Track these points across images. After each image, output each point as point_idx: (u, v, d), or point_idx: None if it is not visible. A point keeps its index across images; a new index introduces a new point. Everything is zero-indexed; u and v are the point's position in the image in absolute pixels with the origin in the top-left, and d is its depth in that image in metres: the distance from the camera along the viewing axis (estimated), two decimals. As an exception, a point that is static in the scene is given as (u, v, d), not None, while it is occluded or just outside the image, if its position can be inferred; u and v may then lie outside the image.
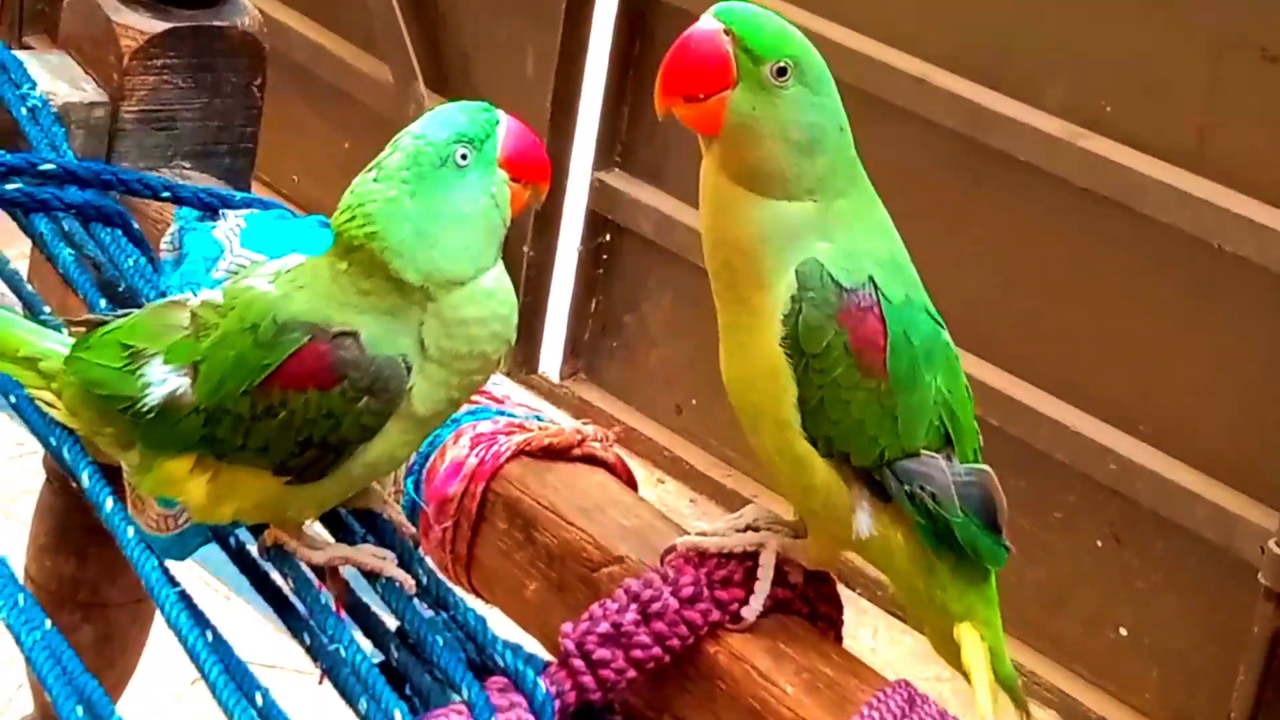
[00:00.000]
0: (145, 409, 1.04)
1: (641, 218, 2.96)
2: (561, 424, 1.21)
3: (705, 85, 1.02)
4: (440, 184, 1.02)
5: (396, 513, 1.15)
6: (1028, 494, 2.56)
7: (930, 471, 1.03)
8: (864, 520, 1.04)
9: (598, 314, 3.09)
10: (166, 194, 1.37)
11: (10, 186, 1.31)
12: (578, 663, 1.03)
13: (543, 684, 1.02)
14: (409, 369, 1.02)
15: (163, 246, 1.36)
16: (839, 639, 1.08)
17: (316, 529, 1.13)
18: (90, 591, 1.58)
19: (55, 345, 1.10)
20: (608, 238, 3.02)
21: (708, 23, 1.02)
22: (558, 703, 1.02)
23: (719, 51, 1.02)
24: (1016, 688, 1.07)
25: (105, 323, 1.09)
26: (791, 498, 1.08)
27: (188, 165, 1.49)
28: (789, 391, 1.02)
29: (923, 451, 1.03)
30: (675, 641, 1.03)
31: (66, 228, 1.34)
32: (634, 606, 1.04)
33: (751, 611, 1.04)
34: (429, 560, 1.14)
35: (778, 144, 1.02)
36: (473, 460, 1.18)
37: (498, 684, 1.03)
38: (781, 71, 1.01)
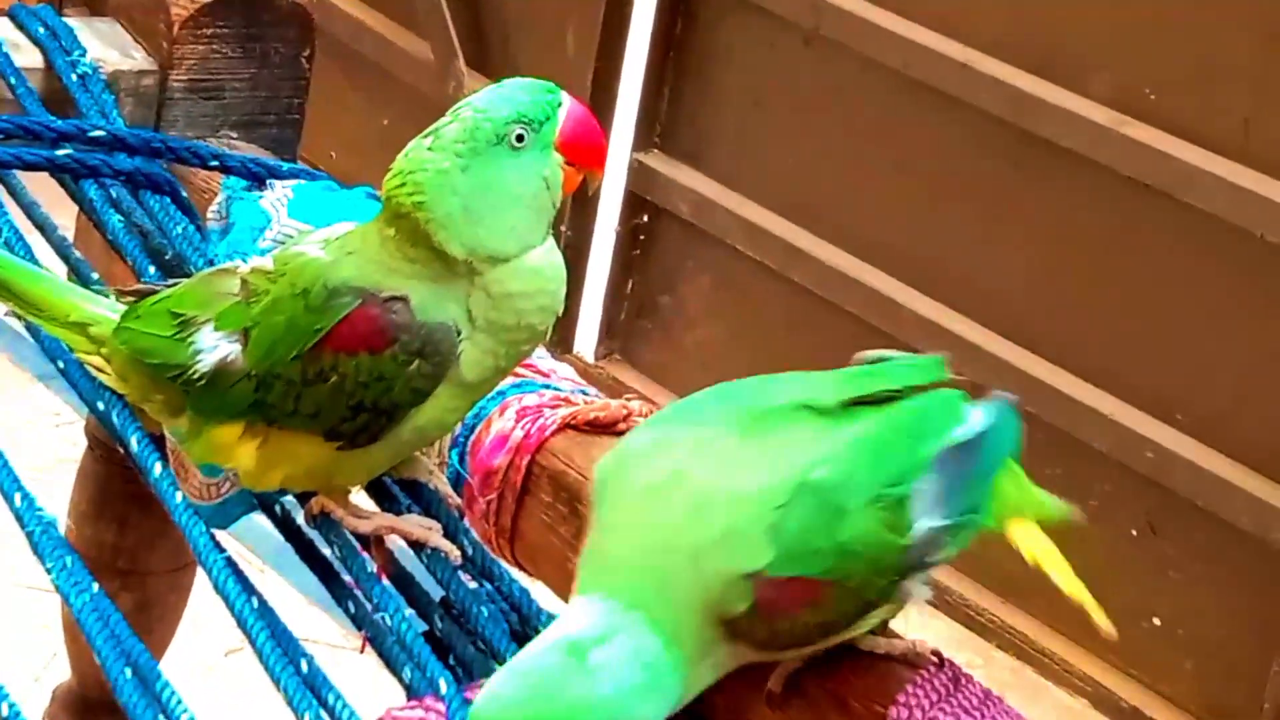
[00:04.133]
0: (196, 376, 1.04)
1: (680, 199, 2.96)
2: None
3: None
4: (493, 162, 1.02)
5: (442, 483, 1.16)
6: (1064, 482, 2.55)
7: (925, 538, 0.95)
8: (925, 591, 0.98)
9: (634, 295, 3.08)
10: (215, 163, 1.37)
11: (61, 153, 1.31)
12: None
13: (586, 656, 1.02)
14: (458, 334, 1.03)
15: (209, 215, 1.36)
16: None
17: (362, 498, 1.13)
18: (130, 559, 1.58)
19: (105, 311, 1.10)
20: (645, 219, 3.02)
21: None
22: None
23: None
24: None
25: (154, 292, 1.09)
26: None
27: (235, 135, 1.49)
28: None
29: (905, 542, 0.94)
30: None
31: (115, 195, 1.34)
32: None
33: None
34: (473, 531, 1.14)
35: None
36: (518, 433, 1.18)
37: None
38: None
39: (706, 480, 0.92)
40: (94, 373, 1.12)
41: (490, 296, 1.03)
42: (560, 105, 1.03)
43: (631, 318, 3.09)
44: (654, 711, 0.90)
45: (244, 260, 1.09)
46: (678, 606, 0.90)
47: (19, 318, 1.21)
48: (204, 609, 1.67)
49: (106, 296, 1.15)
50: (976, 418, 0.97)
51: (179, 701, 0.96)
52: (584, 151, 1.04)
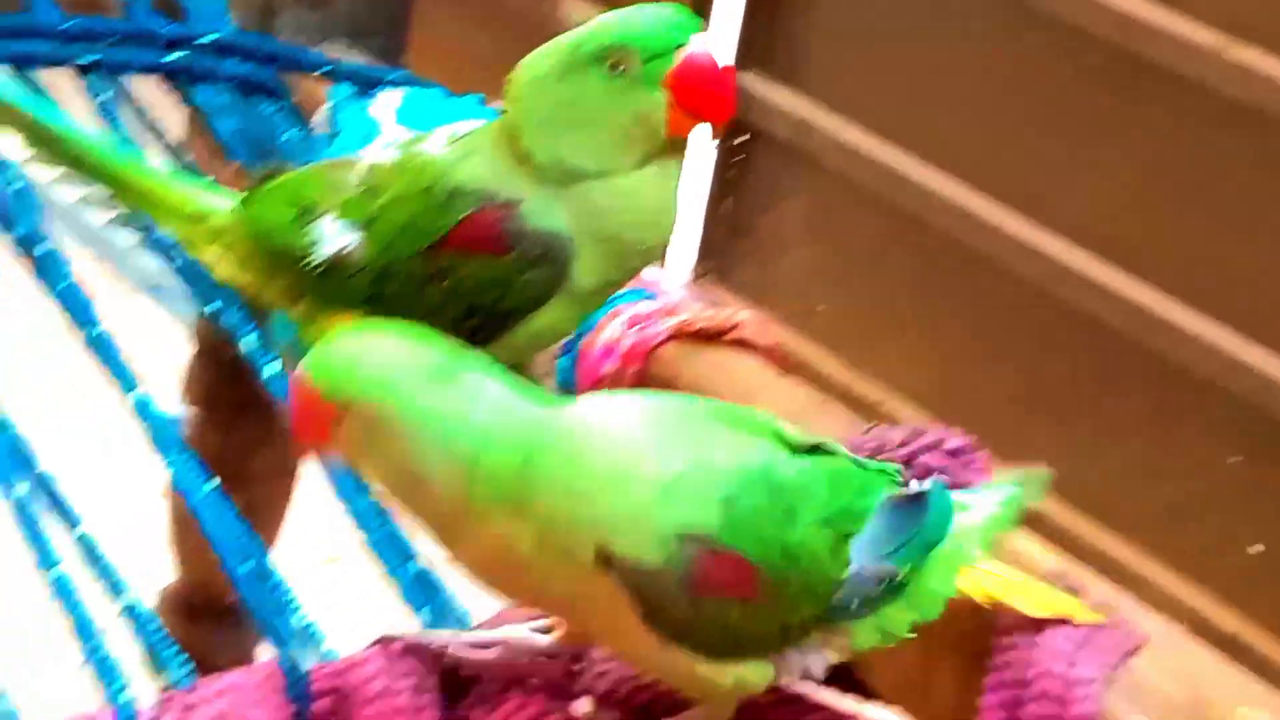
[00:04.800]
0: (313, 264, 1.04)
1: (777, 120, 2.94)
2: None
3: None
4: (586, 79, 1.02)
5: (556, 390, 1.16)
6: (1160, 407, 2.54)
7: (863, 576, 0.90)
8: (813, 662, 0.92)
9: (730, 216, 3.08)
10: (324, 70, 1.38)
11: (172, 57, 1.32)
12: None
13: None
14: (569, 243, 1.03)
15: (317, 122, 1.37)
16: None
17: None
18: (235, 464, 1.59)
19: (221, 203, 1.11)
20: (743, 139, 3.01)
21: None
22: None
23: None
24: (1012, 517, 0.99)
25: (280, 170, 1.10)
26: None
27: (343, 43, 1.50)
28: (685, 654, 0.89)
29: (841, 577, 0.90)
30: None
31: (225, 101, 1.34)
32: (790, 489, 1.03)
33: None
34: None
35: None
36: (627, 341, 1.18)
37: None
38: None
39: (670, 430, 0.89)
40: (210, 265, 1.12)
41: (589, 211, 1.03)
42: (682, 45, 1.00)
43: (727, 238, 3.08)
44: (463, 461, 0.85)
45: (368, 153, 1.09)
46: None
47: (131, 223, 1.22)
48: (299, 520, 1.69)
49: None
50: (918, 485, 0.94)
51: (294, 597, 0.97)
52: (694, 98, 1.01)
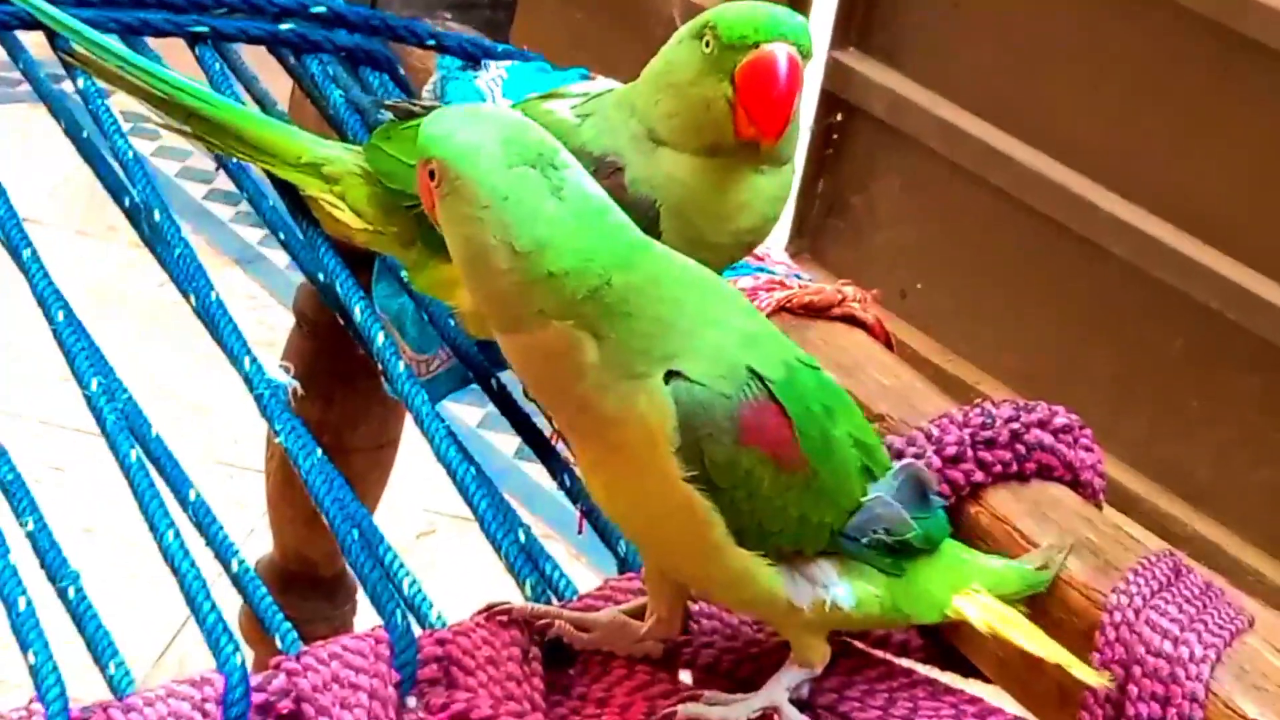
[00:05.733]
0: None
1: (875, 98, 2.93)
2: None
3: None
4: (684, 48, 1.03)
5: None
6: (1262, 391, 2.52)
7: (877, 511, 0.92)
8: (841, 593, 0.92)
9: (825, 194, 3.07)
10: (431, 42, 1.38)
11: (284, 27, 1.33)
12: (838, 517, 1.03)
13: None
14: (656, 209, 1.03)
15: (424, 94, 1.37)
16: (1099, 509, 1.07)
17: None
18: (334, 435, 1.60)
19: (337, 152, 1.13)
20: (839, 118, 3.00)
21: None
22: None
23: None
24: (1037, 582, 0.98)
25: (411, 113, 1.11)
26: (738, 610, 0.99)
27: (449, 16, 1.50)
28: (714, 524, 0.88)
29: (862, 500, 0.92)
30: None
31: (333, 71, 1.35)
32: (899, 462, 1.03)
33: None
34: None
35: None
36: (733, 315, 1.18)
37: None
38: None
39: (744, 301, 0.93)
40: (326, 212, 1.13)
41: (667, 182, 1.03)
42: (755, 45, 0.99)
43: (822, 216, 3.07)
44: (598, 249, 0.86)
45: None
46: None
47: (239, 187, 1.23)
48: (393, 494, 1.70)
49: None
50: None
51: (401, 564, 0.98)
52: (748, 100, 0.99)
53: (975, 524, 1.03)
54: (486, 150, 0.85)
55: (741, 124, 1.00)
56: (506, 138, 0.86)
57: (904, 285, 2.98)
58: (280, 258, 2.96)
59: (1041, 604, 0.97)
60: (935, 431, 1.04)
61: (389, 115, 1.15)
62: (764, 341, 0.90)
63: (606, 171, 1.03)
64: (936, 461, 1.02)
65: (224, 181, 3.10)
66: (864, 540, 0.91)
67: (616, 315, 0.85)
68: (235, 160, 1.19)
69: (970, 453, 1.03)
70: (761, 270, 1.22)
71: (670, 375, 0.86)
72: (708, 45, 1.00)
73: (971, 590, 0.95)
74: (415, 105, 1.14)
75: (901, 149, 2.93)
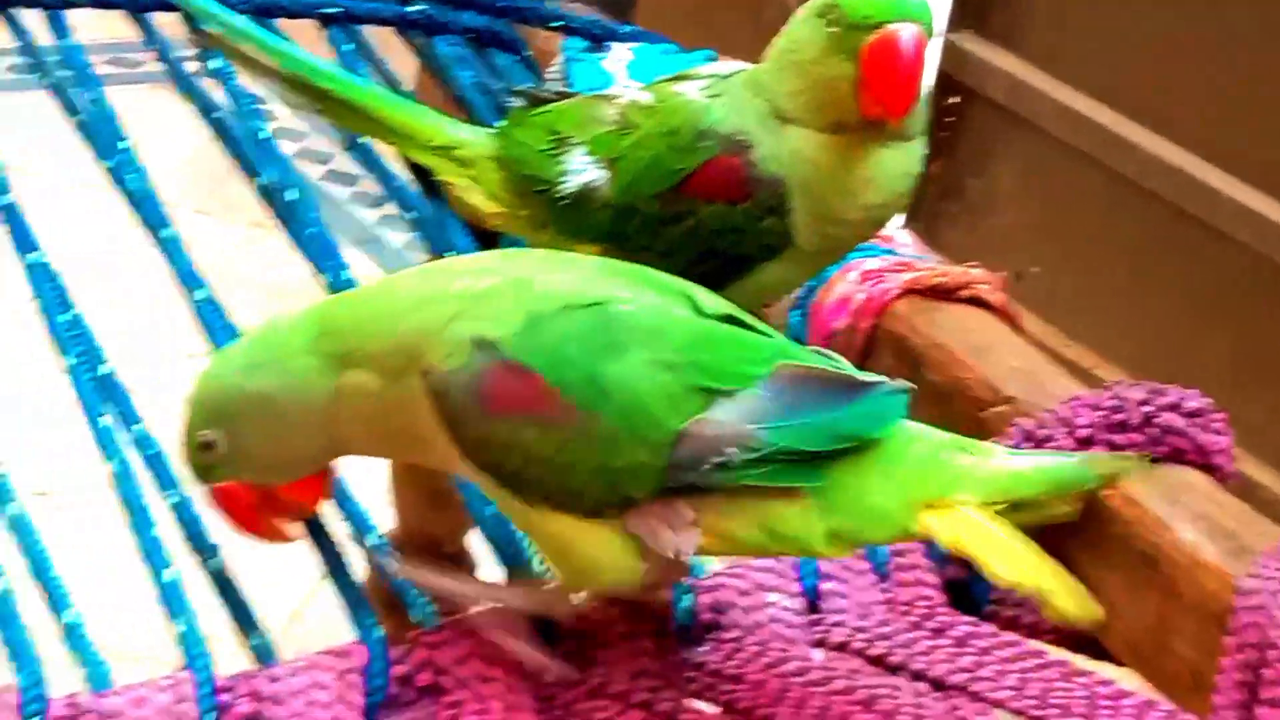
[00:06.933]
0: (561, 194, 1.06)
1: (992, 82, 2.92)
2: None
3: None
4: (809, 25, 1.03)
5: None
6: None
7: (707, 434, 0.84)
8: (682, 539, 0.86)
9: (941, 178, 3.06)
10: (558, 24, 1.39)
11: (413, 8, 1.34)
12: (969, 497, 1.03)
13: (933, 517, 1.03)
14: (786, 192, 1.04)
15: (549, 75, 1.38)
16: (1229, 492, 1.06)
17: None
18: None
19: (470, 135, 1.14)
20: (956, 100, 2.98)
21: None
22: (947, 537, 1.02)
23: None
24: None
25: (542, 100, 1.12)
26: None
27: (573, -1, 1.51)
28: (506, 497, 0.87)
29: (686, 427, 0.84)
30: (1069, 482, 1.02)
31: (461, 52, 1.36)
32: (1029, 445, 1.03)
33: None
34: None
35: None
36: (860, 296, 1.18)
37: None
38: None
39: (510, 264, 0.90)
40: (459, 194, 1.14)
41: (794, 159, 1.04)
42: (879, 25, 0.99)
43: (937, 200, 3.07)
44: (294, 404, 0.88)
45: (625, 90, 1.11)
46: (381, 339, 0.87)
47: (367, 167, 1.25)
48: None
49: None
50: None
51: (529, 541, 0.99)
52: (873, 81, 0.99)
53: (1107, 507, 1.03)
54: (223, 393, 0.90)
55: (867, 102, 1.01)
56: (219, 374, 0.91)
57: (1019, 269, 2.97)
58: (396, 238, 2.98)
59: (1174, 586, 0.97)
60: (1067, 413, 1.04)
61: (520, 102, 1.16)
62: (504, 296, 0.86)
63: (735, 150, 1.03)
64: (1069, 444, 1.02)
65: (341, 163, 3.14)
66: (703, 469, 0.83)
67: (355, 347, 0.87)
68: (361, 139, 1.21)
69: (1102, 435, 1.03)
70: (889, 252, 1.22)
71: (422, 370, 0.85)
72: (832, 24, 1.00)
73: (954, 501, 0.86)
74: (545, 92, 1.15)
75: (1018, 132, 2.92)
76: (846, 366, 0.89)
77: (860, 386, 0.86)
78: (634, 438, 0.83)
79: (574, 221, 1.07)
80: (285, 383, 0.88)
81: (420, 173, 1.22)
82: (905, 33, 0.98)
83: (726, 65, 1.09)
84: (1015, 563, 0.86)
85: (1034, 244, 2.92)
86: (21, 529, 0.92)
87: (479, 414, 0.84)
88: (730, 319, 0.88)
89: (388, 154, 1.22)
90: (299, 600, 2.25)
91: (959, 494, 0.85)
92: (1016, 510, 0.88)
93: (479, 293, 0.86)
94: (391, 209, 2.75)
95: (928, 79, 1.02)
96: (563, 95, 1.14)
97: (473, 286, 0.86)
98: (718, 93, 1.06)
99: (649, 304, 0.86)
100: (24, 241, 1.08)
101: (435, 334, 0.85)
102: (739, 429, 0.83)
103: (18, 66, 2.91)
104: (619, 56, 1.37)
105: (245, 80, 1.21)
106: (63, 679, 0.86)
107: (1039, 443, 1.03)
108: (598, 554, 0.86)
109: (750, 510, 0.85)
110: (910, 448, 0.86)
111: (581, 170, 1.07)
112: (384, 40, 1.38)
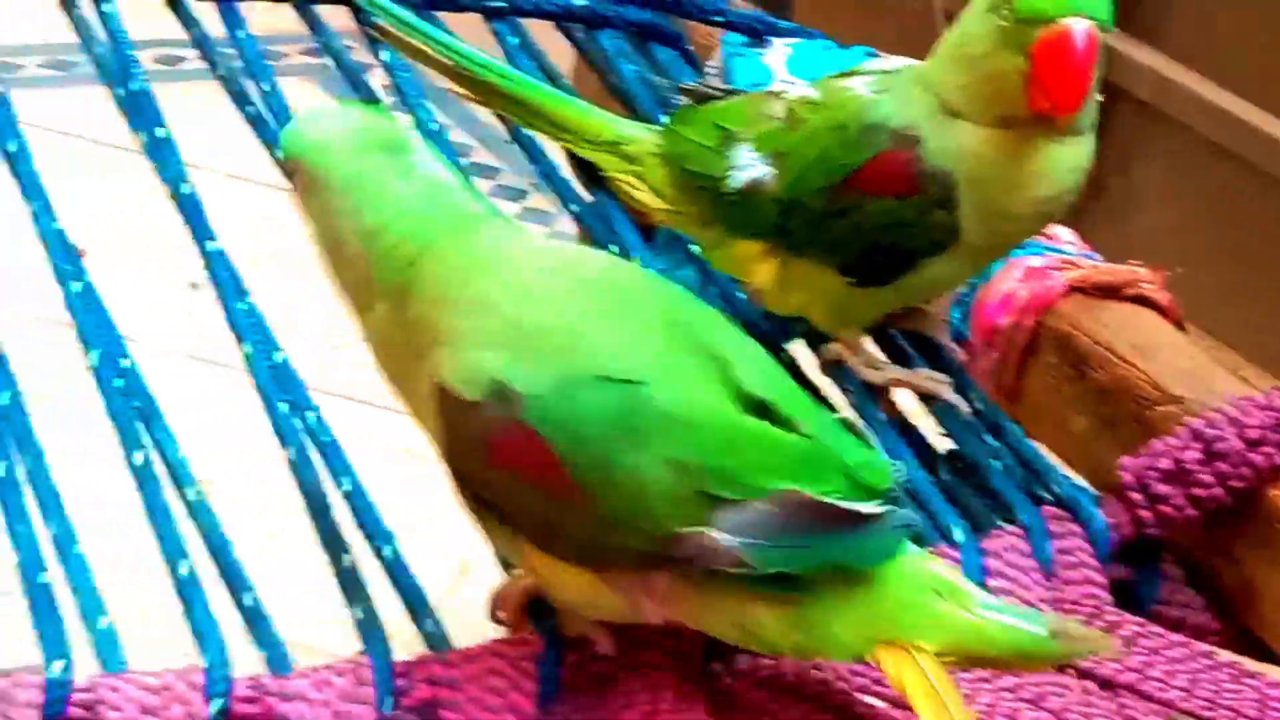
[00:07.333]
0: (727, 190, 1.07)
1: (1138, 80, 2.90)
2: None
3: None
4: (980, 17, 1.03)
5: (949, 339, 1.17)
6: None
7: (706, 545, 0.81)
8: (660, 610, 0.86)
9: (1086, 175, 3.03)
10: (719, 19, 1.39)
11: (578, 2, 1.35)
12: (1136, 496, 1.02)
13: (1099, 514, 1.02)
14: (956, 186, 1.04)
15: (708, 70, 1.39)
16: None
17: (873, 350, 1.14)
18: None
19: (636, 131, 1.14)
20: (1101, 99, 2.96)
21: None
22: (1113, 535, 1.02)
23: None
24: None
25: (708, 96, 1.12)
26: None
27: (731, -8, 1.51)
28: (494, 531, 0.87)
29: (682, 531, 0.81)
30: (1238, 483, 1.02)
31: (623, 46, 1.37)
32: (1197, 445, 1.03)
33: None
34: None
35: None
36: (1024, 293, 1.18)
37: (1051, 512, 1.03)
38: None
39: (585, 293, 0.86)
40: (625, 189, 1.15)
41: (962, 154, 1.04)
42: (1051, 20, 0.98)
43: (1081, 198, 3.04)
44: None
45: (792, 85, 1.11)
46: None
47: (530, 159, 1.25)
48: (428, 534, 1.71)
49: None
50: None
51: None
52: (1041, 76, 0.99)
53: (1274, 508, 1.02)
54: (335, 143, 0.88)
55: (1036, 97, 1.00)
56: (354, 129, 0.89)
57: (1166, 268, 2.94)
58: (534, 230, 2.99)
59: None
60: (1236, 414, 1.04)
61: (686, 99, 1.16)
62: (552, 341, 0.82)
63: (904, 144, 1.04)
64: (1239, 445, 1.02)
65: (480, 155, 3.16)
66: (692, 567, 0.81)
67: (416, 294, 0.85)
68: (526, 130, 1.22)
69: (1272, 436, 1.02)
70: (1053, 249, 1.22)
71: (435, 373, 0.83)
72: (1003, 18, 1.00)
73: (910, 646, 0.83)
74: (711, 89, 1.15)
75: (1165, 131, 2.89)
76: (862, 446, 0.86)
77: (865, 520, 0.82)
78: (629, 526, 0.81)
79: (739, 218, 1.08)
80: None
81: (583, 167, 1.22)
82: (1077, 27, 0.98)
83: (893, 61, 1.09)
84: None
85: (1179, 243, 2.89)
86: (201, 513, 0.93)
87: (479, 456, 0.82)
88: (762, 405, 0.84)
89: (550, 147, 1.23)
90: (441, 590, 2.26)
91: (918, 639, 0.83)
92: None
93: (527, 328, 0.83)
94: (535, 201, 2.79)
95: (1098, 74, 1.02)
96: (730, 92, 1.14)
97: (524, 317, 0.83)
98: (885, 88, 1.06)
99: (684, 390, 0.82)
100: (201, 229, 1.09)
101: (465, 347, 0.83)
102: (733, 547, 0.81)
103: (187, 58, 2.95)
104: (778, 52, 1.37)
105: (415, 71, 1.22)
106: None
107: (1208, 443, 1.02)
108: (577, 596, 0.86)
109: (728, 607, 0.83)
110: (889, 578, 0.83)
111: (748, 166, 1.07)
112: (538, 32, 1.39)
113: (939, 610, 0.83)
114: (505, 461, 0.82)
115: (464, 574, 1.93)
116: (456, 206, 0.88)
